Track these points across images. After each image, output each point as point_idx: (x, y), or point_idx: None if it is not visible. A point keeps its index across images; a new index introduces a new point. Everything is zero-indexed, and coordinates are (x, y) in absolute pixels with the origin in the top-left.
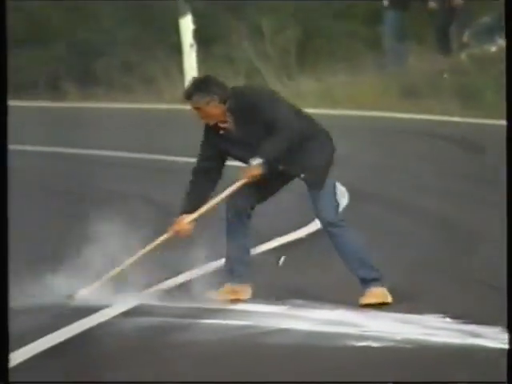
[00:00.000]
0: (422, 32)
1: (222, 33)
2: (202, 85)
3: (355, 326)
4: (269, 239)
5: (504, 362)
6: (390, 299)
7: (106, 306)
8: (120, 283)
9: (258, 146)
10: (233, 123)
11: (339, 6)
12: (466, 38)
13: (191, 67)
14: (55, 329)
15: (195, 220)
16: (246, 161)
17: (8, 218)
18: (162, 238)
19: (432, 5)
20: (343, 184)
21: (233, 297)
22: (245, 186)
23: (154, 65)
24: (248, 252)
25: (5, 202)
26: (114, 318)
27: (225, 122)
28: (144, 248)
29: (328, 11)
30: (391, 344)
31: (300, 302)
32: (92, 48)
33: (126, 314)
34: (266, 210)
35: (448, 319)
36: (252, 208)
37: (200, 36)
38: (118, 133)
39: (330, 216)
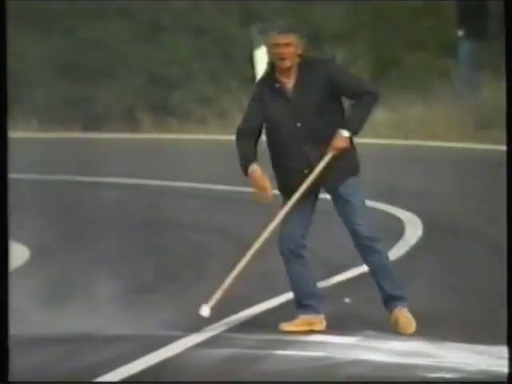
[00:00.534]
0: (497, 61)
1: None
2: (297, 27)
3: (431, 357)
4: (341, 271)
5: None
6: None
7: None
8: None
9: (310, 113)
10: (295, 81)
11: (413, 37)
12: None
13: None
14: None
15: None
16: (285, 123)
17: None
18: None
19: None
20: (419, 214)
21: (307, 328)
22: (289, 214)
23: (228, 97)
24: (314, 283)
25: None
26: (190, 348)
27: (290, 76)
28: None
29: (402, 42)
30: (466, 375)
31: (373, 333)
32: (168, 80)
33: (202, 344)
34: (338, 242)
35: None
36: (303, 237)
37: None
38: (195, 164)
39: (371, 230)
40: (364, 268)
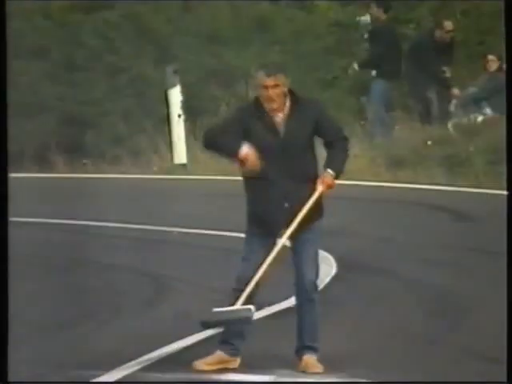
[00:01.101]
0: (409, 101)
1: (210, 104)
2: (283, 66)
3: None
4: (258, 308)
5: None
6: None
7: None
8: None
9: (296, 149)
10: (285, 117)
11: (326, 77)
12: (452, 107)
13: (179, 138)
14: None
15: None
16: (269, 156)
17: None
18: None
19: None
20: (332, 253)
21: (221, 366)
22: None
23: (142, 137)
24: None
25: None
26: None
27: (280, 110)
28: None
29: (314, 81)
30: None
31: (287, 371)
32: (82, 120)
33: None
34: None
35: None
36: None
37: (188, 107)
38: (108, 204)
39: (316, 278)
40: (278, 307)
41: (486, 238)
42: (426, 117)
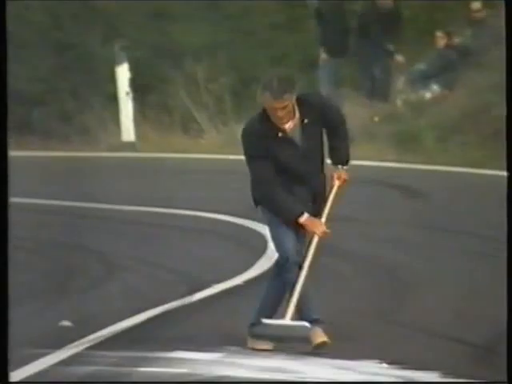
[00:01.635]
0: (357, 78)
1: (157, 81)
2: (288, 83)
3: (293, 372)
4: (206, 286)
5: None
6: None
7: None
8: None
9: (313, 152)
10: (297, 125)
11: (275, 54)
12: (400, 84)
13: (127, 116)
14: None
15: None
16: (292, 166)
17: None
18: (314, 245)
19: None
20: None
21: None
22: (288, 232)
23: (90, 114)
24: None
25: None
26: (51, 366)
27: (288, 120)
28: None
29: (263, 59)
30: None
31: (236, 348)
32: (29, 97)
33: (63, 362)
34: (204, 257)
35: (385, 365)
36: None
37: (136, 85)
38: (58, 182)
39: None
40: (227, 284)
41: (436, 214)
42: (373, 93)
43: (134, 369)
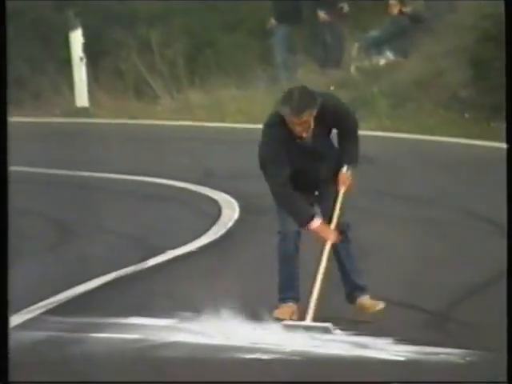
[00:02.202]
0: (310, 45)
1: (111, 46)
2: (310, 99)
3: (244, 338)
4: (160, 252)
5: None
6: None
7: None
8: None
9: (325, 154)
10: (312, 132)
11: (229, 20)
12: (354, 51)
13: (81, 80)
14: None
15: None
16: (307, 167)
17: None
18: (327, 251)
19: (323, 17)
20: (235, 197)
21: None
22: None
23: (44, 80)
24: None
25: None
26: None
27: (306, 131)
28: None
29: (218, 24)
30: (280, 356)
31: (189, 314)
32: None
33: (18, 327)
34: (158, 224)
35: (338, 331)
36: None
37: (90, 50)
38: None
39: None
40: (180, 250)
41: (389, 181)
42: (326, 60)
43: (88, 335)
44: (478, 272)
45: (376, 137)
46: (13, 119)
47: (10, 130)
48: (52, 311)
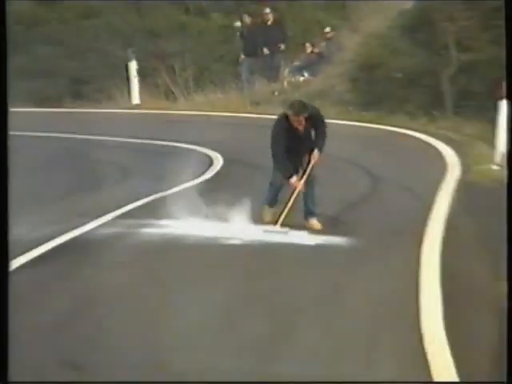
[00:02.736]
0: (265, 70)
1: (151, 71)
2: (304, 107)
3: (233, 233)
4: (178, 185)
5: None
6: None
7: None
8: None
9: (308, 142)
10: (303, 127)
11: (218, 54)
12: (286, 72)
13: (134, 89)
14: None
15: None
16: (294, 150)
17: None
18: (296, 193)
19: (266, 52)
20: (220, 153)
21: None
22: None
23: (114, 88)
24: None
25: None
26: (93, 228)
27: (301, 125)
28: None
29: (211, 58)
30: (248, 242)
31: (199, 219)
32: (81, 79)
33: (100, 226)
34: (177, 168)
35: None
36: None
37: (140, 72)
38: (96, 126)
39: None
40: (187, 184)
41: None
42: (270, 78)
43: (139, 230)
44: (355, 192)
45: None
46: (97, 110)
47: (100, 115)
48: (119, 217)
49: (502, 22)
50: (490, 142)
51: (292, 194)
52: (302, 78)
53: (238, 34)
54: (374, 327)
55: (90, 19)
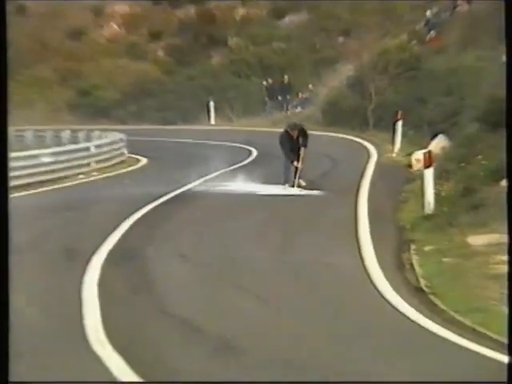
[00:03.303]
0: (280, 107)
1: (221, 104)
2: (297, 126)
3: (259, 190)
4: (225, 167)
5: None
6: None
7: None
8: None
9: (299, 143)
10: (296, 136)
11: (256, 99)
12: (289, 106)
13: (212, 116)
14: None
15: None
16: (292, 148)
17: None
18: (299, 170)
19: (280, 98)
20: (256, 148)
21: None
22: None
23: (200, 115)
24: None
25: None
26: (199, 183)
27: (295, 135)
28: None
29: (252, 100)
30: (269, 195)
31: (239, 183)
32: (165, 105)
33: (200, 183)
34: (226, 158)
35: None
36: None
37: (215, 106)
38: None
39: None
40: (235, 166)
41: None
42: (282, 109)
43: (219, 184)
44: (323, 168)
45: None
46: (183, 127)
47: (193, 130)
48: (203, 182)
49: (401, 82)
50: (391, 142)
51: (296, 169)
52: (297, 110)
53: (264, 88)
54: (335, 231)
55: (194, 80)
